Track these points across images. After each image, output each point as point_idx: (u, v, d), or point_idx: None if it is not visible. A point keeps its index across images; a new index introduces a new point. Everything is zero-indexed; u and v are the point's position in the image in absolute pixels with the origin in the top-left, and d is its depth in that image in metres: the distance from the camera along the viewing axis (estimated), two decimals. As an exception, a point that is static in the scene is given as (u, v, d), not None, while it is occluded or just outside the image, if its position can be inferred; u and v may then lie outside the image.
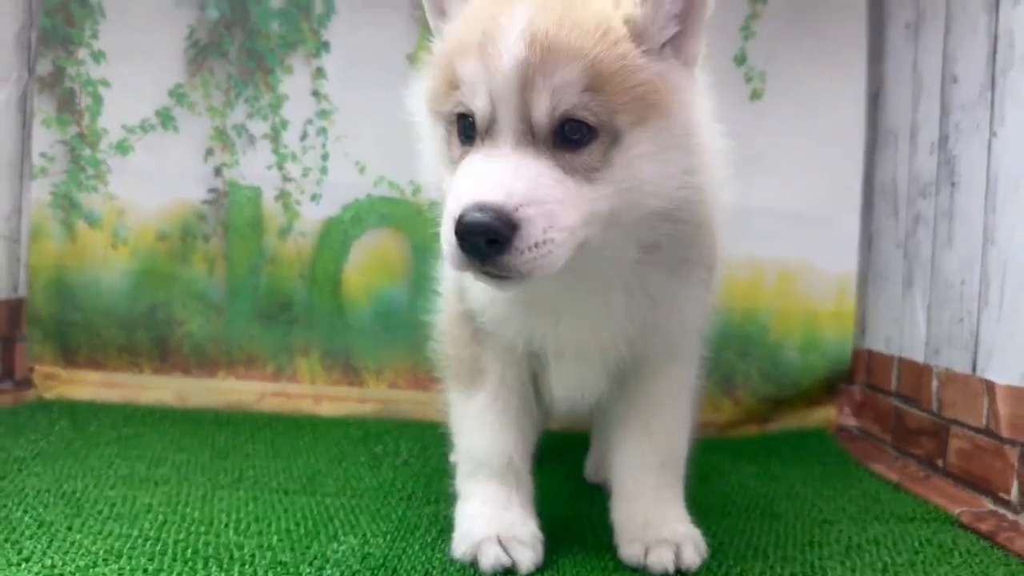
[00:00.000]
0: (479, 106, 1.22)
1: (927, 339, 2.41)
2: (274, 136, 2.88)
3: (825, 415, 2.83)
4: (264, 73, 2.87)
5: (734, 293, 2.76)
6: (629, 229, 1.31)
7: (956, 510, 1.97)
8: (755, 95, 2.83)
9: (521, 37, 1.18)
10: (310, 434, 2.52)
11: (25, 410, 2.61)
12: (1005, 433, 1.98)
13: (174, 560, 1.46)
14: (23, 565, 1.40)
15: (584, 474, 2.14)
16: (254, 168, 2.87)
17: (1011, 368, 1.99)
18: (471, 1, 1.33)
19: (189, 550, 1.51)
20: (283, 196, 2.89)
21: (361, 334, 2.91)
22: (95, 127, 2.86)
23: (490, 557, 1.47)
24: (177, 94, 2.86)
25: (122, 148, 2.86)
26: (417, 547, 1.60)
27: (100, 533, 1.57)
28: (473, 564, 1.50)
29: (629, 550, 1.54)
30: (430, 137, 1.38)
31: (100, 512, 1.69)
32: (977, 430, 2.10)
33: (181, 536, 1.58)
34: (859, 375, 2.82)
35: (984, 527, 1.86)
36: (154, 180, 2.85)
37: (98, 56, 2.85)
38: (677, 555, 1.51)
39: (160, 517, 1.68)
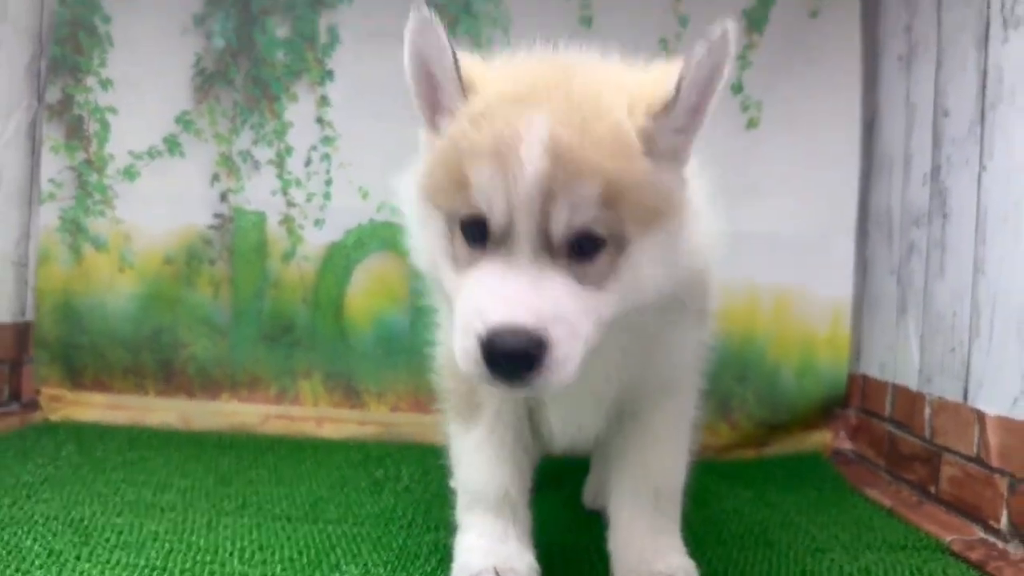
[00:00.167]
0: (496, 215, 1.19)
1: (920, 367, 2.45)
2: (279, 162, 2.93)
3: (821, 439, 2.87)
4: (269, 101, 2.92)
5: (731, 318, 2.80)
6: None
7: (947, 538, 2.01)
8: (751, 123, 2.88)
9: (543, 149, 1.16)
10: (312, 458, 2.56)
11: (32, 432, 2.65)
12: (995, 463, 2.02)
13: (180, 590, 1.50)
14: (34, 595, 1.44)
15: (583, 500, 2.17)
16: (259, 193, 2.93)
17: (1001, 398, 2.03)
18: (475, 99, 1.26)
19: (195, 580, 1.55)
20: (287, 221, 2.94)
21: (363, 357, 2.95)
22: (103, 153, 2.91)
23: (487, 589, 1.51)
24: (184, 121, 2.91)
25: (129, 174, 2.91)
26: (417, 576, 1.64)
27: (108, 562, 1.60)
28: (471, 595, 1.53)
29: (625, 581, 1.57)
30: (426, 228, 1.33)
31: (108, 540, 1.73)
32: (968, 458, 2.14)
33: (187, 565, 1.62)
34: (854, 399, 2.86)
35: (974, 556, 1.90)
36: (160, 205, 2.90)
37: (106, 84, 2.90)
38: (672, 587, 1.54)
39: (166, 545, 1.72)
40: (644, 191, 1.22)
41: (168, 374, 2.93)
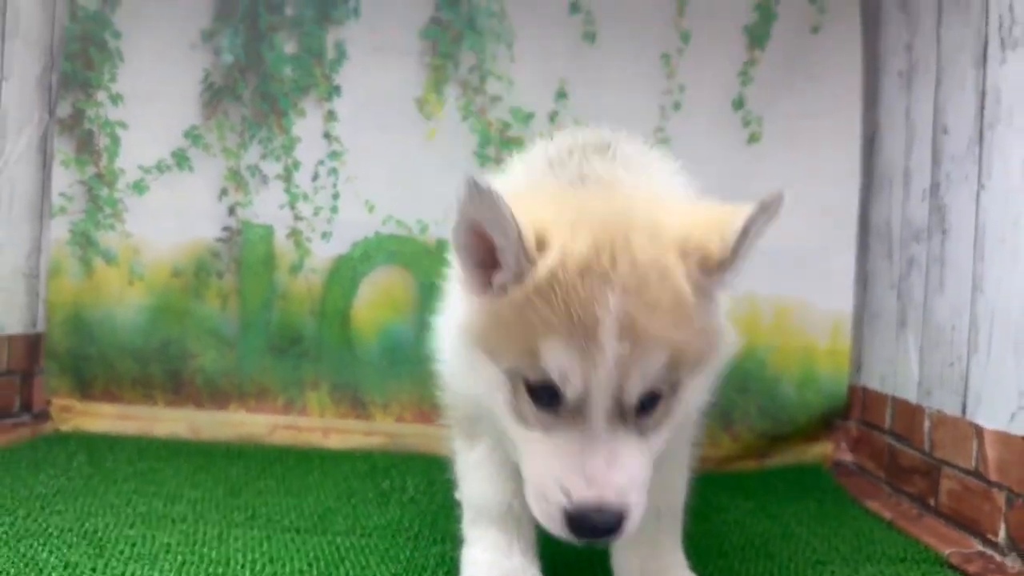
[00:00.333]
0: (570, 389, 1.20)
1: (920, 380, 2.48)
2: (286, 176, 2.97)
3: (822, 450, 2.90)
4: (277, 116, 2.96)
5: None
6: None
7: (946, 551, 2.04)
8: (753, 138, 2.92)
9: (619, 330, 1.17)
10: (319, 468, 2.60)
11: (43, 443, 2.69)
12: (993, 476, 2.05)
13: (194, 602, 1.54)
14: (51, 608, 1.47)
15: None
16: (267, 207, 2.97)
17: (999, 413, 2.06)
18: (541, 265, 1.22)
19: (208, 592, 1.59)
20: (295, 234, 2.98)
21: (369, 368, 2.99)
22: (113, 167, 2.95)
23: (492, 604, 1.54)
24: (192, 135, 2.95)
25: (139, 188, 2.95)
26: (425, 589, 1.67)
27: (123, 575, 1.64)
28: (477, 608, 1.57)
29: (628, 597, 1.61)
30: (478, 373, 1.31)
31: (122, 552, 1.76)
32: (967, 472, 2.17)
33: (200, 578, 1.66)
34: (855, 411, 2.89)
35: (972, 568, 1.93)
36: (169, 219, 2.95)
37: (116, 99, 2.95)
38: (674, 602, 1.58)
39: (179, 557, 1.75)
40: (699, 344, 1.26)
41: (177, 385, 2.96)
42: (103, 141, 2.95)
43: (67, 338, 2.94)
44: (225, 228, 2.97)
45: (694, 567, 1.67)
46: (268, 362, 2.98)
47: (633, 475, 1.23)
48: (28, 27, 2.82)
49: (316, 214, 2.97)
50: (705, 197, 1.61)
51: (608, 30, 2.95)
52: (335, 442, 2.91)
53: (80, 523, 1.93)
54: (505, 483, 1.62)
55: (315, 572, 1.73)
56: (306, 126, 2.96)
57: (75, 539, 1.82)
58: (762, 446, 2.91)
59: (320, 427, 2.95)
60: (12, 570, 1.61)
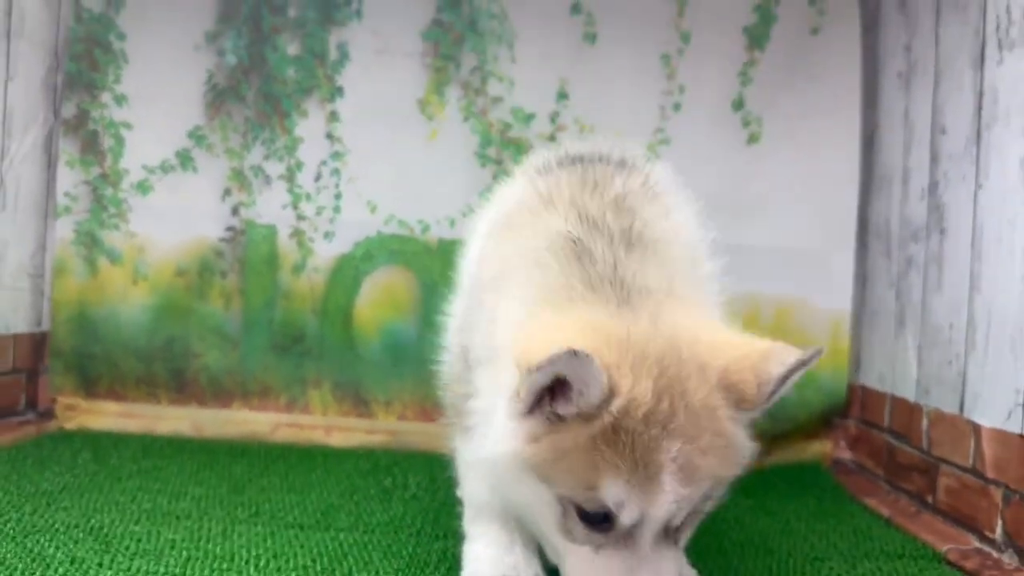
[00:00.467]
0: (625, 518, 1.28)
1: (918, 378, 2.50)
2: (289, 177, 2.99)
3: (821, 448, 2.92)
4: (280, 116, 2.98)
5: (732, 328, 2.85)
6: None
7: (943, 547, 2.05)
8: (753, 139, 2.94)
9: (679, 474, 1.26)
10: (322, 466, 2.62)
11: (48, 441, 2.71)
12: (990, 474, 2.06)
13: (199, 597, 1.56)
14: (59, 601, 1.49)
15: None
16: (270, 207, 2.99)
17: (996, 411, 2.07)
18: (609, 409, 1.25)
19: (213, 587, 1.61)
20: (297, 234, 3.00)
21: (371, 366, 3.01)
22: (117, 168, 2.97)
23: (494, 599, 1.57)
24: (196, 136, 2.98)
25: (143, 188, 2.98)
26: (427, 584, 1.69)
27: (129, 570, 1.66)
28: (479, 603, 1.59)
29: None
30: (526, 490, 1.34)
31: (127, 548, 1.78)
32: (964, 469, 2.18)
33: (205, 573, 1.67)
34: (854, 410, 2.91)
35: (969, 565, 1.94)
36: (173, 219, 2.97)
37: (121, 100, 2.97)
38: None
39: (184, 553, 1.77)
40: (735, 470, 1.36)
41: (180, 383, 2.99)
42: (107, 142, 2.98)
43: (72, 337, 2.97)
44: (228, 228, 3.00)
45: (694, 563, 1.68)
46: (271, 361, 3.00)
47: None
48: (33, 28, 2.85)
49: (319, 214, 3.00)
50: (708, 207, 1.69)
51: (608, 31, 2.97)
52: (337, 440, 2.93)
53: (86, 519, 1.95)
54: None
55: (318, 568, 1.75)
56: (309, 127, 2.98)
57: (81, 535, 1.84)
58: (762, 444, 2.90)
59: (322, 425, 2.97)
60: (19, 565, 1.63)
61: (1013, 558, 1.94)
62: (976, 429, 2.13)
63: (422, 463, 2.64)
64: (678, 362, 1.29)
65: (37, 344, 2.94)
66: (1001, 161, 2.12)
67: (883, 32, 2.88)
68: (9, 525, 1.86)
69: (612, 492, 1.25)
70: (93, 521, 1.94)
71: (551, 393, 1.27)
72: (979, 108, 2.23)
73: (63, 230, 2.97)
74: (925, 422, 2.41)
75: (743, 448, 1.35)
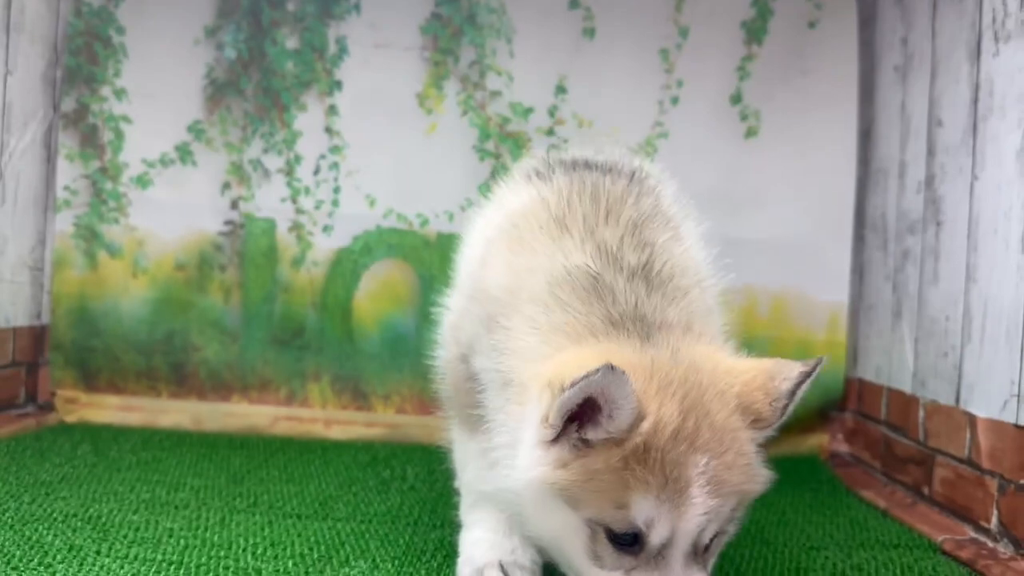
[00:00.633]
0: (655, 538, 1.29)
1: (914, 371, 2.51)
2: (288, 170, 3.00)
3: (818, 441, 2.93)
4: (279, 110, 2.99)
5: (730, 322, 2.86)
6: None
7: (939, 537, 2.06)
8: (750, 133, 2.95)
9: (709, 490, 1.29)
10: (321, 458, 2.63)
11: (48, 434, 2.72)
12: (985, 464, 2.07)
13: (197, 583, 1.57)
14: (57, 588, 1.50)
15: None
16: (269, 201, 3.00)
17: (991, 402, 2.08)
18: (638, 431, 1.28)
19: (210, 574, 1.61)
20: (296, 227, 3.01)
21: (370, 360, 3.02)
22: (117, 162, 2.98)
23: (491, 582, 1.58)
24: (196, 130, 2.99)
25: (142, 182, 2.99)
26: (424, 571, 1.70)
27: (127, 557, 1.67)
28: (476, 588, 1.60)
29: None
30: (553, 516, 1.35)
31: (125, 536, 1.79)
32: (960, 460, 2.19)
33: (202, 560, 1.68)
34: (851, 403, 2.91)
35: (964, 554, 1.95)
36: (173, 212, 2.98)
37: (120, 94, 2.98)
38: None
39: (182, 541, 1.79)
40: (756, 487, 1.39)
41: (180, 377, 3.00)
42: (107, 136, 2.99)
43: (72, 330, 2.98)
44: (228, 222, 3.01)
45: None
46: (270, 354, 3.01)
47: None
48: (33, 22, 2.85)
49: (317, 208, 3.01)
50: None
51: (607, 25, 2.98)
52: (337, 433, 2.94)
53: (84, 509, 1.96)
54: None
55: (315, 556, 1.76)
56: (308, 121, 2.99)
57: (79, 523, 1.85)
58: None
59: (322, 418, 2.98)
60: (17, 552, 1.64)
61: (1008, 547, 1.95)
62: (972, 420, 2.14)
63: (421, 455, 2.64)
64: (699, 387, 1.33)
65: (37, 337, 2.95)
66: (997, 153, 2.13)
67: (880, 25, 2.89)
68: (7, 514, 1.87)
69: (643, 509, 1.27)
70: (91, 510, 1.95)
71: (578, 420, 1.29)
72: (975, 100, 2.24)
73: (63, 224, 2.98)
74: (921, 414, 2.41)
75: (762, 469, 1.39)
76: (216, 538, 1.83)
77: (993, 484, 2.04)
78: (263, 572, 1.64)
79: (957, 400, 2.24)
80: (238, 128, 2.99)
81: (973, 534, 2.07)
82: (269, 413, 2.98)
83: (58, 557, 1.64)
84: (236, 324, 3.01)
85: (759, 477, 1.38)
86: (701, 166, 2.87)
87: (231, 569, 1.65)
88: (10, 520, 1.83)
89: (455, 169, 2.98)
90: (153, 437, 2.77)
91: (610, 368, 1.21)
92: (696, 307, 1.50)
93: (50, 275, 2.98)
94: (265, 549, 1.78)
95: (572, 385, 1.24)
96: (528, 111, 2.99)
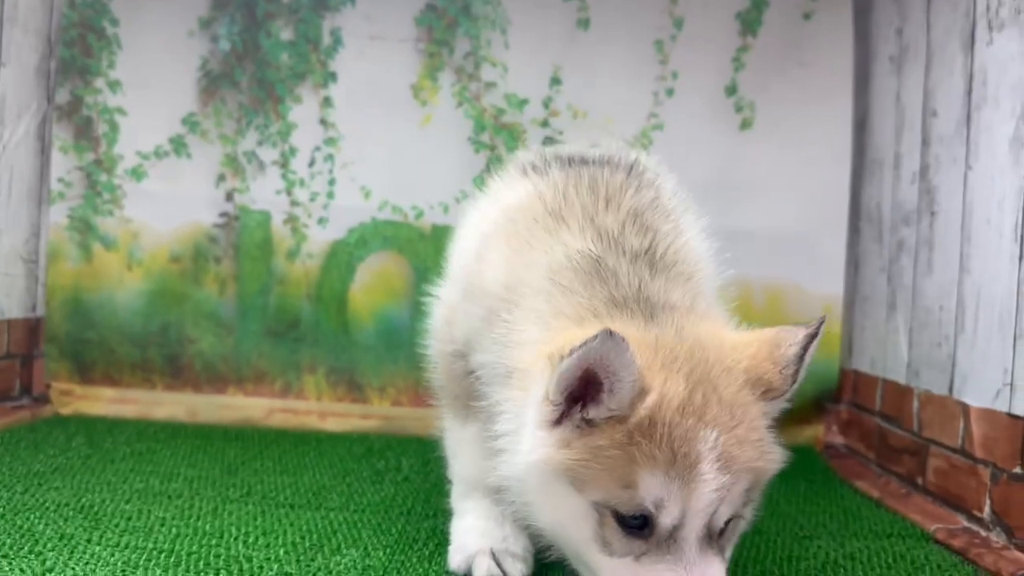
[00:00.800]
0: (666, 518, 1.24)
1: (909, 361, 2.51)
2: (283, 162, 3.00)
3: (813, 433, 2.93)
4: (274, 102, 2.99)
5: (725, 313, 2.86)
6: None
7: (932, 527, 2.07)
8: (745, 124, 2.94)
9: (720, 466, 1.24)
10: (315, 450, 2.63)
11: (43, 425, 2.72)
12: (979, 453, 2.07)
13: (187, 571, 1.56)
14: None
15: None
16: (264, 193, 3.00)
17: (984, 391, 2.08)
18: (643, 406, 1.24)
19: (201, 562, 1.61)
20: (291, 220, 3.01)
21: (365, 352, 3.02)
22: (111, 154, 2.98)
23: (482, 569, 1.57)
24: (190, 122, 2.98)
25: (137, 174, 2.98)
26: (415, 559, 1.70)
27: (118, 545, 1.67)
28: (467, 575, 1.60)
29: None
30: (559, 502, 1.31)
31: (117, 525, 1.79)
32: (953, 450, 2.19)
33: (194, 548, 1.68)
34: (846, 394, 2.91)
35: (957, 543, 1.95)
36: (168, 204, 2.98)
37: (114, 86, 2.97)
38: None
39: (174, 530, 1.79)
40: (770, 465, 1.34)
41: (175, 369, 3.00)
42: (101, 128, 2.98)
43: (66, 322, 2.98)
44: (222, 214, 3.00)
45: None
46: (265, 346, 3.01)
47: None
48: (26, 14, 2.85)
49: (312, 200, 3.00)
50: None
51: (602, 16, 2.97)
52: (332, 425, 2.94)
53: (77, 498, 1.96)
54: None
55: (307, 544, 1.76)
56: (302, 113, 2.99)
57: (71, 513, 1.85)
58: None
59: (317, 410, 2.98)
60: (8, 540, 1.64)
61: (1001, 536, 1.95)
62: (965, 409, 2.14)
63: (416, 447, 2.65)
64: (706, 362, 1.30)
65: (32, 329, 2.95)
66: (990, 142, 2.12)
67: (875, 16, 2.88)
68: None
69: (651, 488, 1.22)
70: (84, 500, 1.95)
71: (581, 401, 1.26)
72: (969, 90, 2.23)
73: (57, 216, 2.98)
74: (916, 404, 2.41)
75: (775, 445, 1.36)
76: (208, 527, 1.83)
77: (986, 473, 2.04)
78: (254, 560, 1.64)
79: (950, 390, 2.24)
80: (233, 120, 2.99)
81: (966, 523, 2.08)
82: (264, 405, 2.98)
83: (48, 545, 1.64)
84: (231, 316, 3.01)
85: (772, 454, 1.34)
86: (696, 158, 2.87)
87: (222, 557, 1.65)
88: (2, 510, 1.83)
89: (450, 161, 2.98)
90: (148, 429, 2.76)
91: (608, 334, 1.18)
92: (700, 290, 1.49)
93: (44, 267, 2.98)
94: (257, 538, 1.78)
95: (570, 354, 1.21)
96: (523, 102, 2.98)
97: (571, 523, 1.31)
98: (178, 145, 2.99)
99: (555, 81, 2.98)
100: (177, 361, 3.00)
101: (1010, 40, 2.06)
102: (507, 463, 1.36)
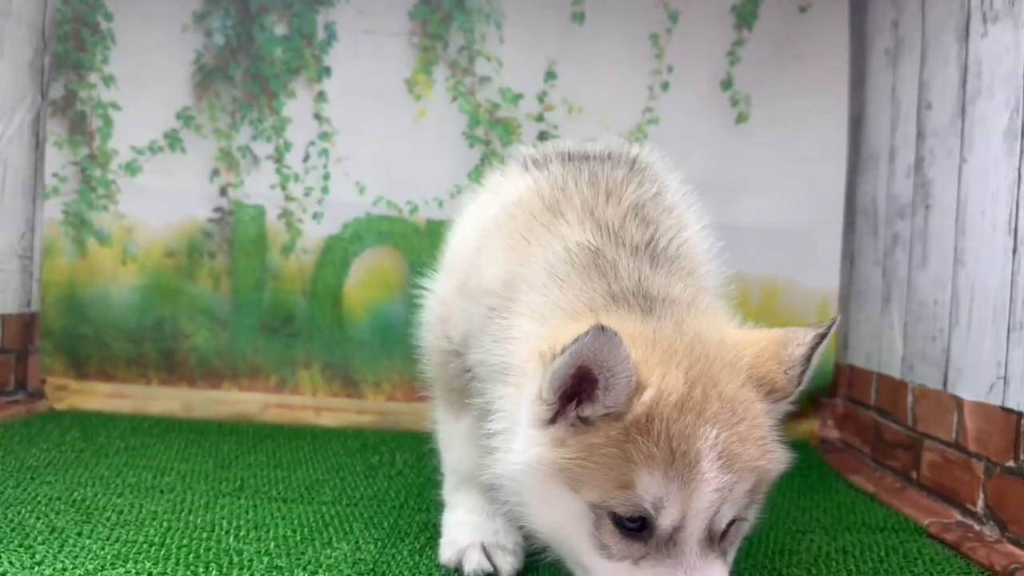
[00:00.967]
0: (665, 519, 1.20)
1: (903, 355, 2.50)
2: (277, 157, 2.99)
3: (809, 427, 2.92)
4: (268, 97, 2.98)
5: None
6: None
7: (925, 521, 2.06)
8: (741, 118, 2.94)
9: (721, 464, 1.20)
10: (310, 445, 2.63)
11: (37, 420, 2.72)
12: (972, 447, 2.07)
13: (177, 564, 1.56)
14: (36, 568, 1.49)
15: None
16: (258, 188, 2.99)
17: (978, 385, 2.08)
18: (639, 402, 1.21)
19: (191, 555, 1.61)
20: (286, 215, 3.00)
21: (360, 347, 3.01)
22: (105, 148, 2.98)
23: (473, 562, 1.57)
24: (184, 117, 2.98)
25: (131, 169, 2.98)
26: (406, 553, 1.70)
27: (108, 539, 1.67)
28: (458, 569, 1.60)
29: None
30: (555, 504, 1.27)
31: (108, 519, 1.79)
32: (947, 444, 2.19)
33: (184, 542, 1.68)
34: (841, 389, 2.91)
35: (950, 537, 1.95)
36: (162, 199, 2.97)
37: (108, 80, 2.97)
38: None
39: (165, 524, 1.78)
40: (773, 466, 1.31)
41: (170, 364, 2.99)
42: (96, 122, 2.98)
43: (61, 317, 2.97)
44: (217, 209, 3.00)
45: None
46: (260, 341, 3.01)
47: None
48: (20, 8, 2.84)
49: (307, 195, 3.00)
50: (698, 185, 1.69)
51: (597, 11, 2.96)
52: (327, 420, 2.93)
53: (69, 492, 1.96)
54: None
55: (298, 537, 1.76)
56: (296, 107, 2.98)
57: (63, 507, 1.85)
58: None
59: (312, 405, 2.98)
60: (-1, 534, 1.64)
61: (994, 530, 1.95)
62: (959, 403, 2.14)
63: (410, 442, 2.64)
64: (707, 358, 1.26)
65: (26, 325, 2.94)
66: (984, 134, 2.12)
67: (871, 9, 2.88)
68: (-9, 497, 1.87)
69: (649, 488, 1.18)
70: (76, 494, 1.95)
71: (576, 399, 1.23)
72: (964, 82, 2.23)
73: (51, 211, 2.97)
74: (910, 398, 2.41)
75: (779, 447, 1.32)
76: (199, 521, 1.82)
77: (980, 467, 2.04)
78: (244, 553, 1.64)
79: (945, 384, 2.23)
80: (227, 115, 2.98)
81: (960, 517, 2.07)
82: (259, 400, 2.98)
83: (39, 539, 1.64)
84: (226, 311, 3.00)
85: (776, 454, 1.30)
86: (691, 152, 2.86)
87: (212, 550, 1.65)
88: (-7, 503, 1.83)
89: (445, 155, 2.97)
90: (143, 424, 2.76)
91: (600, 329, 1.15)
92: (703, 285, 1.46)
93: (39, 263, 2.97)
94: (248, 531, 1.78)
95: (562, 352, 1.18)
96: (518, 97, 2.98)
97: (567, 525, 1.27)
98: (172, 140, 2.98)
99: (550, 75, 2.98)
100: (172, 356, 2.99)
101: (1004, 32, 2.05)
102: (501, 462, 1.33)
